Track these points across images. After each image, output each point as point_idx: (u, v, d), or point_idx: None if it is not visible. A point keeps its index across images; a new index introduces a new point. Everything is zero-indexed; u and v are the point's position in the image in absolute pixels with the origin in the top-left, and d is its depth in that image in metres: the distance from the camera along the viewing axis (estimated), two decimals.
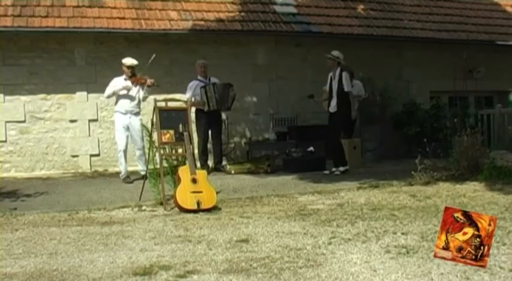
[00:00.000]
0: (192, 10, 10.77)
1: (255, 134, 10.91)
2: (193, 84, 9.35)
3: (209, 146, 9.59)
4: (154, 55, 8.20)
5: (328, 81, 9.19)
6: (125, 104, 8.51)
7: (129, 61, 8.51)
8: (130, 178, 8.48)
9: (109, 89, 8.55)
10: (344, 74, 8.94)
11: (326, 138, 9.37)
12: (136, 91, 8.49)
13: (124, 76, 8.56)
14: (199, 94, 9.26)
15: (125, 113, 8.50)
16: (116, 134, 8.65)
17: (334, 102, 9.00)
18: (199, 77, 9.43)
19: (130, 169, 8.77)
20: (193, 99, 9.28)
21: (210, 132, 9.47)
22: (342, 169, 8.90)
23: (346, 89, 8.90)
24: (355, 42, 11.58)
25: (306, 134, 10.43)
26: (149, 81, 8.51)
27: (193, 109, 9.52)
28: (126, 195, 7.27)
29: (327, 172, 8.91)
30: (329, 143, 9.30)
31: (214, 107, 9.28)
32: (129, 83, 8.44)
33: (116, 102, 8.61)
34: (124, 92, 8.44)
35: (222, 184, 7.70)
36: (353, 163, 9.62)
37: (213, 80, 9.43)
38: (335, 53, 9.06)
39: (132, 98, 8.50)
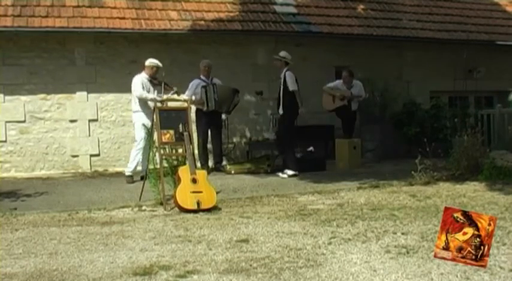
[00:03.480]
0: (192, 10, 10.76)
1: (255, 134, 10.91)
2: (194, 83, 9.36)
3: (209, 146, 9.59)
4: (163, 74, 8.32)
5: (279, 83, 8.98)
6: (148, 105, 8.51)
7: (160, 63, 8.58)
8: (133, 177, 8.47)
9: (143, 93, 8.45)
10: (288, 73, 8.74)
11: (278, 140, 9.13)
12: (156, 93, 8.52)
13: (147, 76, 8.57)
14: (199, 93, 9.26)
15: (148, 113, 8.49)
16: (139, 132, 8.43)
17: (281, 104, 8.83)
18: (202, 77, 9.43)
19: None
20: (193, 98, 9.28)
21: (209, 132, 9.47)
22: (290, 173, 8.65)
23: (290, 89, 8.67)
24: (355, 42, 11.58)
25: (306, 134, 10.42)
26: (175, 89, 8.58)
27: (193, 109, 9.54)
28: (126, 195, 7.28)
29: (282, 175, 8.75)
30: (281, 146, 9.05)
31: (213, 108, 9.27)
32: (160, 94, 8.40)
33: (140, 102, 8.53)
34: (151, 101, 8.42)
35: (222, 184, 7.70)
36: (353, 162, 9.64)
37: (215, 81, 9.43)
38: (282, 53, 8.92)
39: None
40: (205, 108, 9.28)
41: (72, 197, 7.32)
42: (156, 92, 8.53)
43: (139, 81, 8.54)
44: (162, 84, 8.38)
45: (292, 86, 8.70)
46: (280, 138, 9.12)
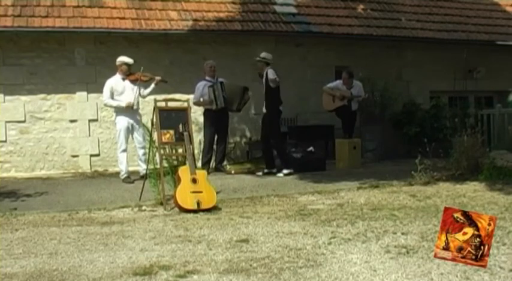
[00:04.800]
0: (192, 10, 10.76)
1: (255, 134, 10.91)
2: (200, 84, 9.36)
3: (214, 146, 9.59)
4: (142, 68, 8.32)
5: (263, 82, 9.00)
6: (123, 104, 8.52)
7: (129, 59, 8.53)
8: (130, 177, 8.48)
9: (109, 101, 8.51)
10: (270, 70, 8.69)
11: (263, 140, 9.14)
12: (136, 90, 8.48)
13: (120, 76, 8.55)
14: (207, 94, 9.26)
15: (129, 114, 8.51)
16: (119, 134, 8.58)
17: (265, 102, 8.89)
18: (207, 78, 9.42)
19: (130, 169, 8.76)
20: (201, 99, 9.30)
21: (217, 132, 9.45)
22: (286, 171, 8.78)
23: (272, 85, 8.67)
24: (355, 42, 11.58)
25: (306, 134, 10.43)
26: (157, 78, 8.56)
27: (202, 109, 9.54)
28: (126, 195, 7.28)
29: (260, 173, 8.88)
30: (264, 145, 9.09)
31: (222, 105, 9.26)
32: (131, 100, 8.42)
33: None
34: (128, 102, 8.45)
35: (222, 184, 7.70)
36: (353, 163, 9.64)
37: (221, 80, 9.43)
38: (262, 54, 8.92)
39: (135, 98, 8.51)
40: (214, 107, 9.26)
41: (72, 197, 7.32)
42: (136, 88, 8.48)
43: (108, 86, 8.52)
44: (139, 78, 8.38)
45: (273, 83, 8.68)
46: (263, 138, 9.09)
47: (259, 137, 9.49)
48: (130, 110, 8.48)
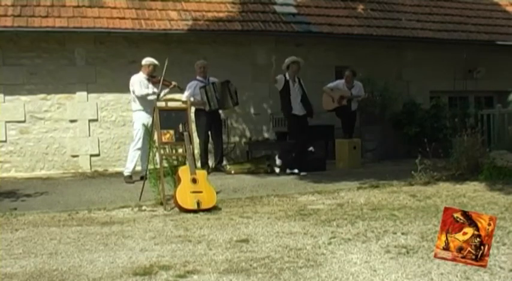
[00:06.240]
0: (192, 10, 10.76)
1: (255, 134, 10.91)
2: (192, 84, 9.35)
3: (209, 146, 9.59)
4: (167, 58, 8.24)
5: (282, 84, 9.18)
6: (150, 104, 8.49)
7: (156, 61, 8.55)
8: (132, 177, 8.47)
9: (144, 90, 8.47)
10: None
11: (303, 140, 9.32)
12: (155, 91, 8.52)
13: (144, 75, 8.58)
14: (198, 94, 9.25)
15: (150, 112, 8.51)
16: (137, 132, 8.46)
17: (300, 105, 9.18)
18: (198, 77, 9.42)
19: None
20: (192, 99, 9.27)
21: (210, 132, 9.46)
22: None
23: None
24: (355, 42, 11.58)
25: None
26: (174, 83, 8.62)
27: (192, 109, 9.53)
28: (126, 195, 7.28)
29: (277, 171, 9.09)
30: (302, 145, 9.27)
31: (216, 107, 9.27)
32: (155, 88, 8.46)
33: (141, 101, 8.53)
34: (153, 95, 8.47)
35: (222, 184, 7.70)
36: (353, 163, 9.64)
37: (212, 80, 9.43)
38: (296, 58, 9.25)
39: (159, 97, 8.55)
40: (207, 108, 9.26)
41: (72, 197, 7.32)
42: (155, 90, 8.53)
43: (138, 80, 8.54)
44: (161, 80, 8.38)
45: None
46: (306, 138, 9.31)
47: (277, 136, 9.71)
48: (150, 108, 8.49)
